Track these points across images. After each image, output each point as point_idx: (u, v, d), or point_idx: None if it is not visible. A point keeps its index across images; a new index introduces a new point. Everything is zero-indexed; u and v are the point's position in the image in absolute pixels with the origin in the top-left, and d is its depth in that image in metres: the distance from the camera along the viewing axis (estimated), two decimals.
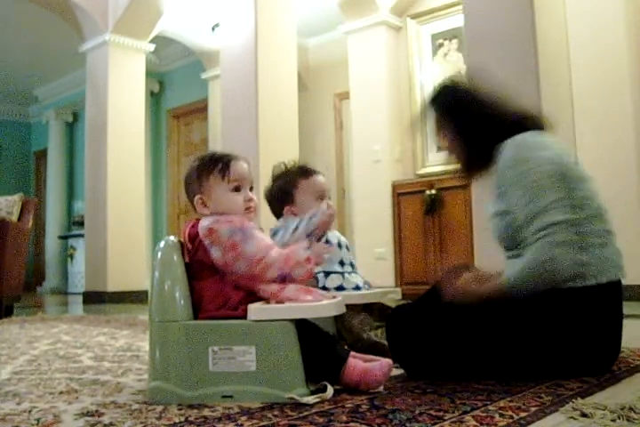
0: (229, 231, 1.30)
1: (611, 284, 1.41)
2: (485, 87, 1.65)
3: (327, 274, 1.82)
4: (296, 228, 1.63)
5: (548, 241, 1.36)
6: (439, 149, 5.11)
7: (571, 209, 1.39)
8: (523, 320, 1.39)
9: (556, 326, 1.38)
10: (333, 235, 1.89)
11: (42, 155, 9.37)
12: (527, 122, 1.57)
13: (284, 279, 1.30)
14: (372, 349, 1.61)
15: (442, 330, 1.42)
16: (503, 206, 1.49)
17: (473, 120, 1.60)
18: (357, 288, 1.83)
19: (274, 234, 1.70)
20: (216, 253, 1.31)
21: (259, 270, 1.29)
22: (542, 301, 1.39)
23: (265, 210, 1.88)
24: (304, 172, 1.87)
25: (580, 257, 1.37)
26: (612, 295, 1.42)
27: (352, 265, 1.90)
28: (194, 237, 1.35)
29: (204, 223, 1.34)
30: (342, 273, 1.84)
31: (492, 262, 1.61)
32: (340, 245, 1.88)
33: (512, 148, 1.49)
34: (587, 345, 1.38)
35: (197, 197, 1.39)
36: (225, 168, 1.38)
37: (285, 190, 1.85)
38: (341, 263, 1.86)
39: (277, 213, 1.88)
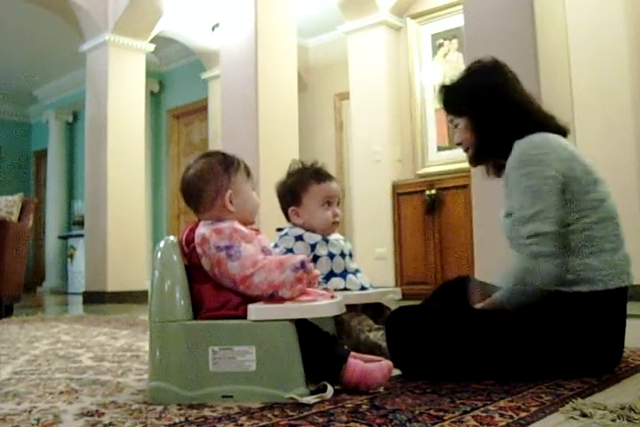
0: (217, 246, 1.30)
1: (618, 290, 1.41)
2: (517, 79, 1.61)
3: (328, 278, 1.77)
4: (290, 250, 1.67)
5: (531, 251, 1.37)
6: (439, 148, 5.12)
7: (560, 219, 1.39)
8: (526, 323, 1.39)
9: (558, 330, 1.38)
10: (332, 243, 1.81)
11: (42, 155, 9.37)
12: (550, 124, 1.54)
13: (271, 297, 1.29)
14: (372, 350, 1.60)
15: (443, 331, 1.42)
16: (508, 207, 1.49)
17: (499, 109, 1.54)
18: (362, 289, 1.81)
19: (278, 230, 1.69)
20: (206, 265, 1.33)
21: (242, 289, 1.29)
22: (548, 304, 1.40)
23: (265, 210, 1.87)
24: (317, 176, 1.82)
25: (557, 269, 1.37)
26: (617, 301, 1.42)
27: (346, 271, 1.81)
28: (190, 241, 1.36)
29: (201, 230, 1.34)
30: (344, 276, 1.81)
31: (491, 262, 1.60)
32: (331, 256, 1.79)
33: (522, 148, 1.47)
34: (589, 349, 1.38)
35: (229, 192, 1.39)
36: (247, 168, 1.46)
37: (294, 191, 1.81)
38: (326, 278, 1.77)
39: (284, 209, 1.86)
